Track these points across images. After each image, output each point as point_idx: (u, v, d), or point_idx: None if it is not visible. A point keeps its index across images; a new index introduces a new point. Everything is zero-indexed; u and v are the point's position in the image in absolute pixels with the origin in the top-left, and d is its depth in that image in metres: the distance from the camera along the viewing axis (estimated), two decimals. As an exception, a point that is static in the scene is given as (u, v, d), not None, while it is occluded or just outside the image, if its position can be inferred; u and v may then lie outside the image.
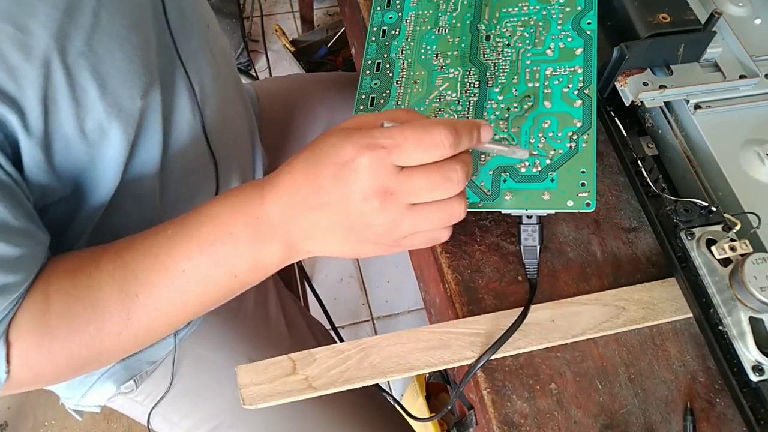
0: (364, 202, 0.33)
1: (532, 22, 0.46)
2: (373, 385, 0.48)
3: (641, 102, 0.45)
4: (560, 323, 0.41)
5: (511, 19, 0.47)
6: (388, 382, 1.21)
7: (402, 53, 0.48)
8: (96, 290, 0.37)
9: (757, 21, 0.51)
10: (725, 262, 0.39)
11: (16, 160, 0.37)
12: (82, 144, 0.39)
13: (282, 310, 0.65)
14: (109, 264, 0.38)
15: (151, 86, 0.42)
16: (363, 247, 0.36)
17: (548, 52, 0.45)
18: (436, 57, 0.47)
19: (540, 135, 0.42)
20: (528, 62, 0.45)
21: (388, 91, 0.47)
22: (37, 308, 0.37)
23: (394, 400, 0.52)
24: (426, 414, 0.94)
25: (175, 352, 0.56)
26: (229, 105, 0.58)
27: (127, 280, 0.37)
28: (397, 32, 0.50)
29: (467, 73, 0.46)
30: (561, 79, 0.43)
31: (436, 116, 0.45)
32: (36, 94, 0.36)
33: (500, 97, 0.44)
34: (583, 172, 0.40)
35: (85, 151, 0.40)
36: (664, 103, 0.46)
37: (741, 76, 0.46)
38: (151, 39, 0.43)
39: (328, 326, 0.70)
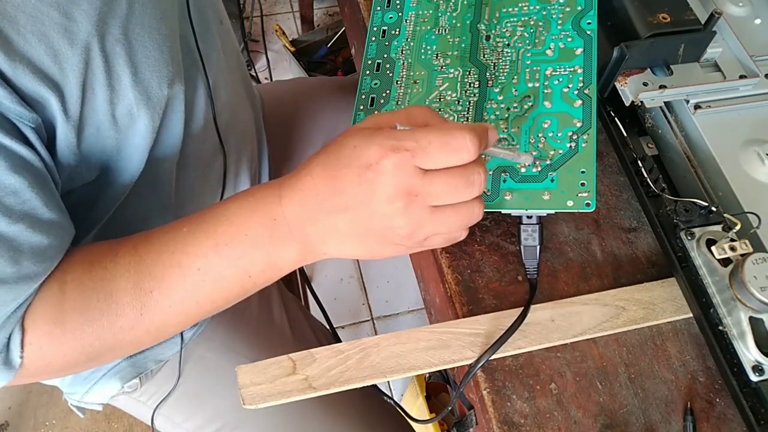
0: (389, 204, 0.33)
1: (532, 22, 0.46)
2: (374, 387, 0.48)
3: (641, 102, 0.45)
4: (560, 323, 0.41)
5: (511, 19, 0.47)
6: (388, 382, 1.21)
7: (402, 53, 0.48)
8: (111, 283, 0.37)
9: (757, 21, 0.51)
10: (725, 262, 0.39)
11: (50, 144, 0.38)
12: (112, 129, 0.40)
13: (285, 312, 0.65)
14: (125, 257, 0.38)
15: (176, 76, 0.43)
16: (382, 248, 0.36)
17: (548, 52, 0.45)
18: (436, 57, 0.47)
19: (540, 135, 0.42)
20: (528, 62, 0.45)
21: (388, 91, 0.47)
22: (52, 297, 0.37)
23: (395, 402, 0.52)
24: (426, 414, 0.94)
25: (182, 353, 0.56)
26: (237, 99, 0.59)
27: (142, 275, 0.37)
28: (397, 32, 0.50)
29: (467, 73, 0.46)
30: (561, 79, 0.43)
31: (436, 116, 0.45)
32: (77, 78, 0.36)
33: (500, 97, 0.44)
34: (583, 172, 0.40)
35: (113, 137, 0.41)
36: (664, 103, 0.46)
37: (741, 76, 0.46)
38: (176, 31, 0.44)
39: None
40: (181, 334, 0.55)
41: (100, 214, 0.45)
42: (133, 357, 0.54)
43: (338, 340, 0.47)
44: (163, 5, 0.42)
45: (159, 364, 0.56)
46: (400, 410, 0.51)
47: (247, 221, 0.36)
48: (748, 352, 0.37)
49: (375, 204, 0.33)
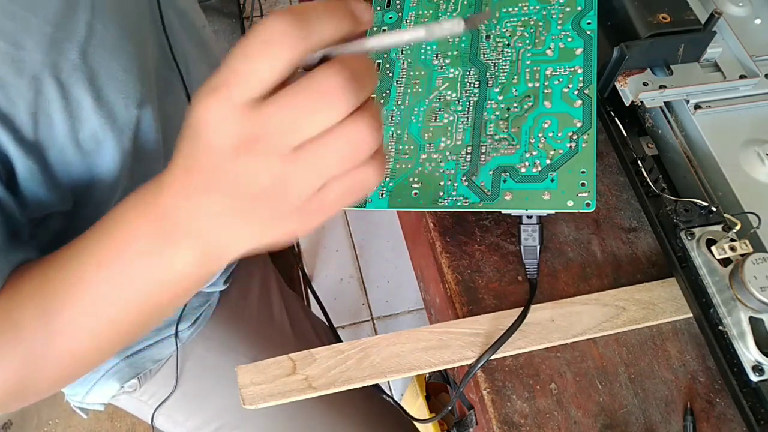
0: (235, 159, 0.25)
1: (532, 22, 0.46)
2: (374, 386, 0.48)
3: (641, 102, 0.45)
4: (560, 323, 0.41)
5: (511, 19, 0.47)
6: (388, 382, 1.21)
7: (402, 53, 0.49)
8: (17, 312, 0.34)
9: (757, 21, 0.51)
10: (725, 262, 0.39)
11: (10, 176, 0.36)
12: (78, 154, 0.39)
13: (286, 311, 0.65)
14: (33, 281, 0.35)
15: (146, 95, 0.41)
16: (276, 224, 0.28)
17: (548, 52, 0.45)
18: (436, 57, 0.47)
19: (540, 135, 0.42)
20: (528, 62, 0.45)
21: (388, 91, 0.47)
22: None
23: (395, 402, 0.52)
24: (426, 414, 0.94)
25: (178, 354, 0.56)
26: None
27: (47, 298, 0.34)
28: (397, 32, 0.50)
29: (467, 73, 0.46)
30: (561, 79, 0.43)
31: (435, 116, 0.45)
32: (27, 108, 0.35)
33: (500, 97, 0.44)
34: (583, 172, 0.40)
35: (80, 161, 0.39)
36: (664, 103, 0.46)
37: (741, 76, 0.46)
38: (147, 46, 0.43)
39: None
40: (176, 333, 0.55)
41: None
42: (130, 357, 0.54)
43: (338, 339, 0.48)
44: (130, 22, 0.40)
45: (157, 363, 0.56)
46: (400, 410, 0.51)
47: (134, 224, 0.31)
48: (748, 352, 0.37)
49: (224, 166, 0.26)
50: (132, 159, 0.42)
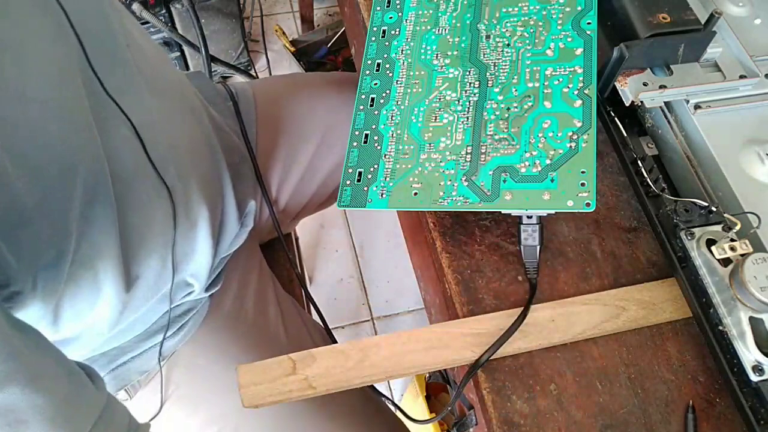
0: None
1: (532, 22, 0.46)
2: (373, 389, 0.47)
3: (641, 102, 0.45)
4: (560, 323, 0.41)
5: (511, 19, 0.47)
6: (388, 382, 1.21)
7: (402, 53, 0.48)
8: None
9: (757, 21, 0.51)
10: (725, 262, 0.39)
11: None
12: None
13: (281, 316, 0.65)
14: None
15: (81, 150, 0.39)
16: None
17: (548, 52, 0.45)
18: (436, 57, 0.47)
19: (540, 135, 0.42)
20: (528, 62, 0.45)
21: (388, 91, 0.47)
22: None
23: (394, 404, 0.52)
24: (426, 414, 0.94)
25: (162, 374, 0.55)
26: (177, 123, 0.53)
27: None
28: (397, 32, 0.50)
29: (467, 73, 0.46)
30: (561, 79, 0.43)
31: (435, 116, 0.45)
32: None
33: (500, 97, 0.44)
34: (583, 172, 0.40)
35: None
36: (664, 103, 0.46)
37: (741, 76, 0.46)
38: (75, 95, 0.39)
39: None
40: (161, 349, 0.54)
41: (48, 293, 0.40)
42: (115, 370, 0.53)
43: (334, 342, 0.47)
44: (60, 74, 0.37)
45: (144, 375, 0.55)
46: (400, 412, 0.51)
47: None
48: (748, 352, 0.37)
49: None
50: (83, 207, 0.39)
